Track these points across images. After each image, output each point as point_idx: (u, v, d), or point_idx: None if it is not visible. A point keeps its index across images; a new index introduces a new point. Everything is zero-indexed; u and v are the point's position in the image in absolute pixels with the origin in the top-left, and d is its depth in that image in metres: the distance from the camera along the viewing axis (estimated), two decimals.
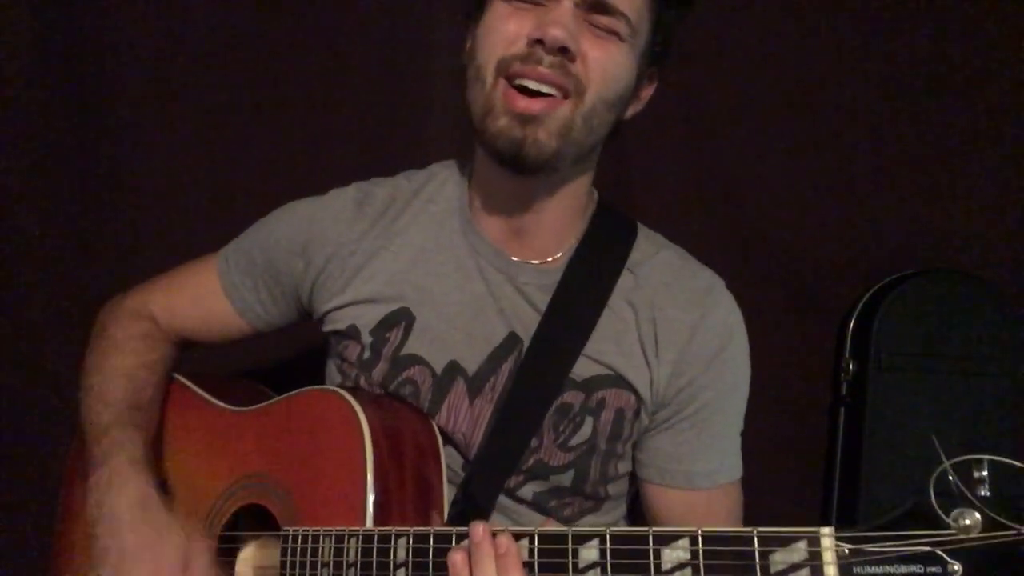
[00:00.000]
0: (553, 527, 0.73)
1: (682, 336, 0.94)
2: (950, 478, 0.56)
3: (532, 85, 0.84)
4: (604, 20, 0.85)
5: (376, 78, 1.52)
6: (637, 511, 1.05)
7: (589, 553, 0.67)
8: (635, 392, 0.94)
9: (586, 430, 0.94)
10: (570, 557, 0.68)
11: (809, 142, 1.55)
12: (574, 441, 0.94)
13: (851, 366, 1.53)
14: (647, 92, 0.98)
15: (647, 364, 0.94)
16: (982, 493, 0.56)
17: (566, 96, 0.85)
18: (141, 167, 1.51)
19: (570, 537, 0.68)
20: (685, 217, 1.52)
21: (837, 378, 1.56)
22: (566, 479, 0.95)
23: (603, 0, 0.84)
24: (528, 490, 0.95)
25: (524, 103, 0.84)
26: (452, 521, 0.90)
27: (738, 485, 0.99)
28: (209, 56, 1.50)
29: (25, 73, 1.45)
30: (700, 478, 0.95)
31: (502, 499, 0.95)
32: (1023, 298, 1.52)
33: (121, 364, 1.02)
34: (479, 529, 0.71)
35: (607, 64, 0.86)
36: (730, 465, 0.98)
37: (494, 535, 0.71)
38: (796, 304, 1.56)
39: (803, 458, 1.59)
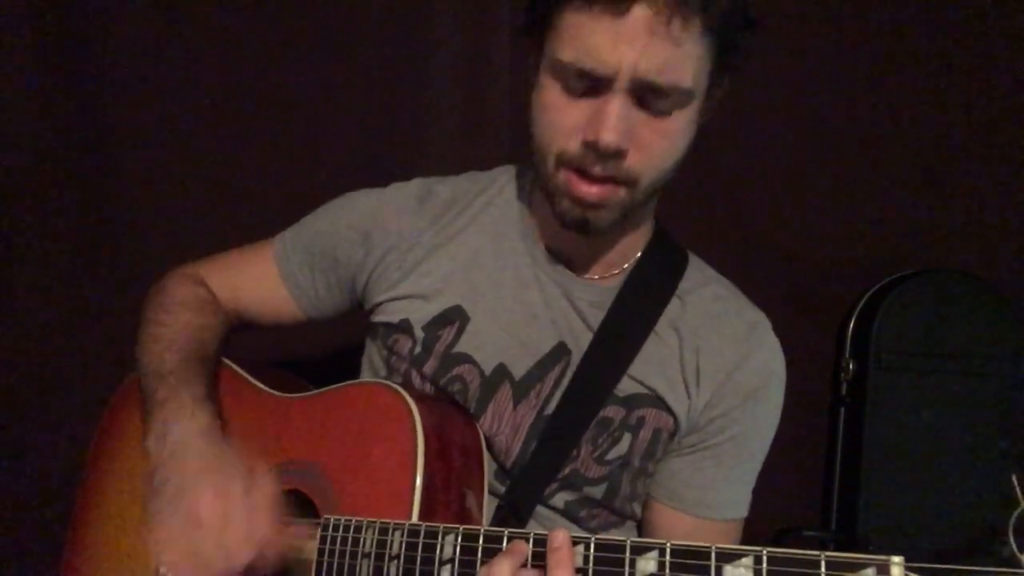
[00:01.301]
0: (607, 537, 0.72)
1: (723, 370, 0.95)
2: None
3: (591, 174, 0.85)
4: (661, 104, 0.83)
5: (376, 79, 1.52)
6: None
7: (647, 564, 0.66)
8: (674, 416, 0.95)
9: (623, 446, 0.95)
10: (627, 567, 0.67)
11: (809, 142, 1.55)
12: (611, 455, 0.95)
13: (851, 366, 1.53)
14: (720, 96, 0.95)
15: (687, 392, 0.95)
16: None
17: (619, 184, 0.86)
18: (141, 167, 1.51)
19: (628, 547, 0.67)
20: (685, 217, 1.51)
21: (837, 378, 1.56)
22: (598, 492, 0.96)
23: (657, 85, 0.80)
24: (560, 498, 0.96)
25: (584, 189, 0.85)
26: (493, 526, 0.89)
27: (741, 524, 0.99)
28: (209, 56, 1.50)
29: (25, 73, 1.45)
30: (708, 508, 0.96)
31: (537, 507, 0.96)
32: (1023, 298, 1.52)
33: (185, 319, 1.03)
34: (559, 536, 0.71)
35: (660, 151, 0.86)
36: (740, 503, 0.99)
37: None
38: (796, 304, 1.56)
39: (803, 458, 1.59)
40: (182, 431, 0.89)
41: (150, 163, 1.51)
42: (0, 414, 1.49)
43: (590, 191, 0.85)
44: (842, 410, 1.55)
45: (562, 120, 0.85)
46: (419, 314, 0.99)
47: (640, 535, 1.04)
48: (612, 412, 0.95)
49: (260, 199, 1.49)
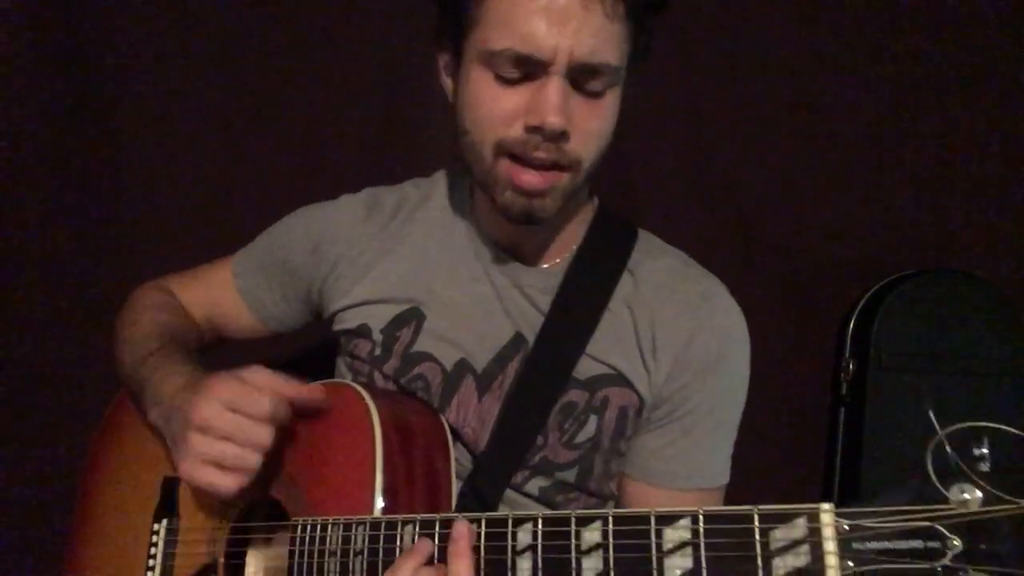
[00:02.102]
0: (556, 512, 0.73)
1: (680, 340, 0.95)
2: (948, 452, 0.56)
3: (534, 161, 0.85)
4: (593, 84, 0.85)
5: (377, 80, 1.52)
6: None
7: (592, 535, 0.67)
8: (636, 392, 0.95)
9: (590, 428, 0.95)
10: (573, 539, 0.68)
11: (809, 142, 1.55)
12: (579, 439, 0.95)
13: (851, 366, 1.53)
14: (634, 85, 0.98)
15: (645, 366, 0.95)
16: (982, 468, 0.55)
17: (563, 170, 0.87)
18: (141, 167, 1.51)
19: (573, 520, 0.68)
20: (685, 217, 1.52)
21: (837, 378, 1.56)
22: (570, 476, 0.96)
23: (592, 65, 0.83)
24: (534, 485, 0.96)
25: (528, 179, 0.85)
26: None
27: (719, 492, 0.99)
28: (209, 57, 1.50)
29: (25, 73, 1.45)
30: (681, 479, 0.96)
31: (510, 493, 0.96)
32: (1023, 298, 1.52)
33: (158, 319, 1.07)
34: (459, 527, 0.73)
35: (597, 132, 0.88)
36: (714, 471, 0.98)
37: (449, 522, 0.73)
38: (796, 304, 1.56)
39: (803, 458, 1.59)
40: (173, 385, 0.90)
41: (150, 163, 1.51)
42: (0, 414, 1.49)
43: (533, 180, 0.85)
44: (842, 410, 1.55)
45: (498, 109, 0.85)
46: (376, 318, 1.01)
47: None
48: (575, 396, 0.95)
49: (260, 199, 1.49)
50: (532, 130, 0.83)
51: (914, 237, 1.56)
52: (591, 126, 0.86)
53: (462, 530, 0.72)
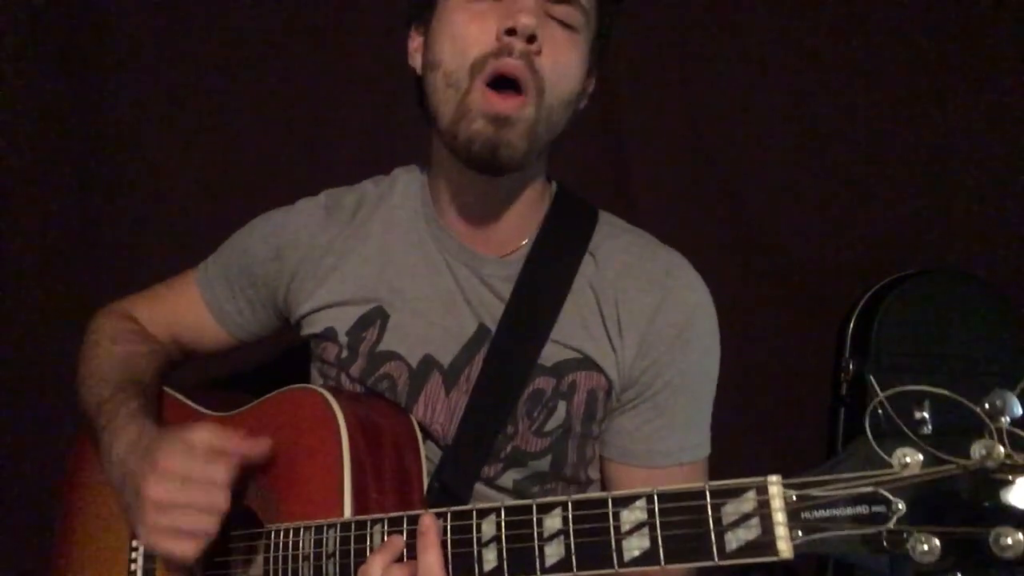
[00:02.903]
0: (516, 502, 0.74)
1: (644, 317, 0.95)
2: (889, 414, 0.57)
3: (507, 72, 0.86)
4: (562, 10, 0.88)
5: (375, 79, 1.52)
6: None
7: (553, 522, 0.68)
8: (604, 374, 0.95)
9: (560, 414, 0.95)
10: (535, 527, 0.69)
11: (809, 142, 1.55)
12: (549, 426, 0.95)
13: (851, 366, 1.53)
14: (590, 86, 1.00)
15: (612, 346, 0.95)
16: (924, 431, 0.57)
17: (528, 96, 0.87)
18: (141, 167, 1.51)
19: (534, 508, 0.69)
20: (685, 217, 1.52)
21: (837, 378, 1.56)
22: (544, 464, 0.96)
23: None
24: (508, 478, 0.96)
25: (501, 104, 0.86)
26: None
27: (702, 465, 0.99)
28: (208, 57, 1.50)
29: (25, 73, 1.45)
30: (660, 456, 0.96)
31: (482, 488, 0.96)
32: (1023, 298, 1.52)
33: (113, 351, 1.06)
34: (425, 520, 0.73)
35: (565, 62, 0.89)
36: (694, 444, 0.98)
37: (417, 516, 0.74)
38: (796, 304, 1.56)
39: (803, 458, 1.59)
40: (120, 442, 0.90)
41: (150, 163, 1.51)
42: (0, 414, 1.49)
43: (505, 104, 0.85)
44: (842, 410, 1.55)
45: (474, 27, 0.87)
46: (341, 320, 1.01)
47: None
48: (542, 383, 0.95)
49: (260, 199, 1.48)
50: (505, 34, 0.84)
51: (914, 237, 1.56)
52: (561, 56, 0.88)
53: (428, 523, 0.73)
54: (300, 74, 1.52)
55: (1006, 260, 1.55)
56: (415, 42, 0.97)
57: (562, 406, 0.95)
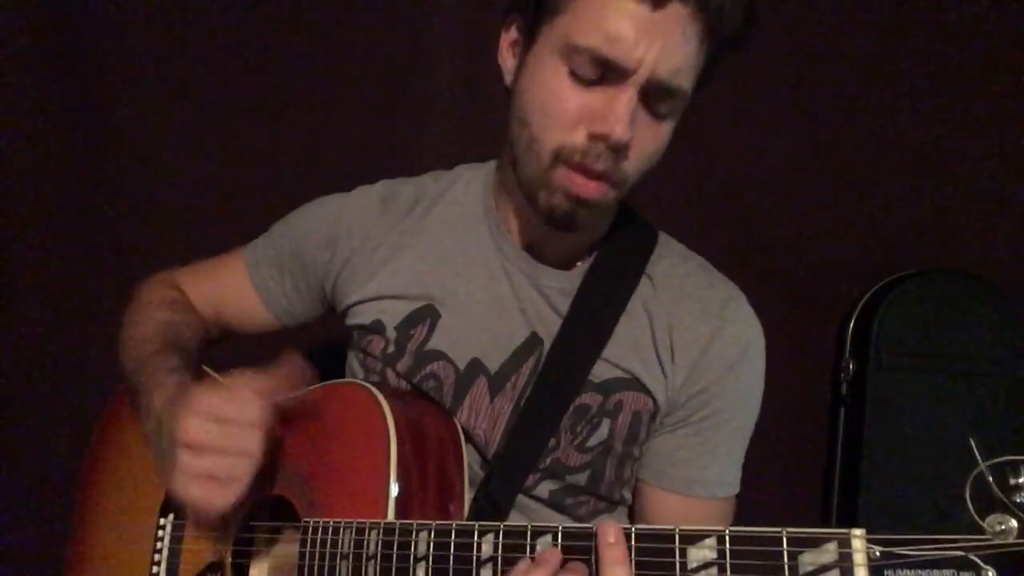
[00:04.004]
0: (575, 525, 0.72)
1: (698, 345, 0.94)
2: (989, 479, 0.55)
3: (591, 175, 0.84)
4: (664, 106, 0.82)
5: (376, 78, 1.52)
6: None
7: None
8: (652, 396, 0.94)
9: (603, 431, 0.94)
10: (592, 554, 0.67)
11: (809, 142, 1.55)
12: (591, 442, 0.94)
13: (851, 366, 1.53)
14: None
15: (663, 370, 0.95)
16: (1018, 499, 0.55)
17: (612, 185, 0.85)
18: (141, 167, 1.51)
19: (595, 535, 0.67)
20: (685, 217, 1.52)
21: (837, 378, 1.57)
22: (581, 479, 0.95)
23: (670, 87, 0.80)
24: (544, 488, 0.96)
25: (584, 188, 0.84)
26: (471, 519, 0.89)
27: (732, 502, 0.98)
28: (209, 56, 1.50)
29: (25, 73, 1.45)
30: (698, 487, 0.95)
31: (519, 497, 0.95)
32: (1023, 298, 1.52)
33: (159, 317, 1.05)
34: (611, 531, 0.68)
35: (653, 154, 0.86)
36: (730, 480, 0.97)
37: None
38: (796, 304, 1.56)
39: (803, 458, 1.59)
40: (160, 394, 0.90)
41: (150, 163, 1.51)
42: (0, 414, 1.49)
43: (590, 189, 0.84)
44: (842, 410, 1.55)
45: (566, 108, 0.82)
46: (390, 314, 0.99)
47: (632, 521, 1.03)
48: (589, 399, 0.94)
49: (260, 199, 1.48)
50: (596, 138, 0.81)
51: (914, 237, 1.56)
52: (648, 148, 0.84)
53: (615, 533, 0.67)
54: (300, 74, 1.51)
55: (1006, 260, 1.55)
56: (508, 38, 0.91)
57: (606, 424, 0.94)
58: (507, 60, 0.92)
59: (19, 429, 1.49)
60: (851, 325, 1.55)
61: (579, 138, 0.82)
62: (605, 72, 0.79)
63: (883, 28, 1.53)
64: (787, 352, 1.55)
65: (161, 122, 1.50)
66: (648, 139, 0.84)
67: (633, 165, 0.84)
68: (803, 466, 1.59)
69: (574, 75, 0.81)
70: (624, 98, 0.79)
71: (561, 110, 0.82)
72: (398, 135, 1.51)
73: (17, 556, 1.48)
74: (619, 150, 0.82)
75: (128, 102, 1.49)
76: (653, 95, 0.81)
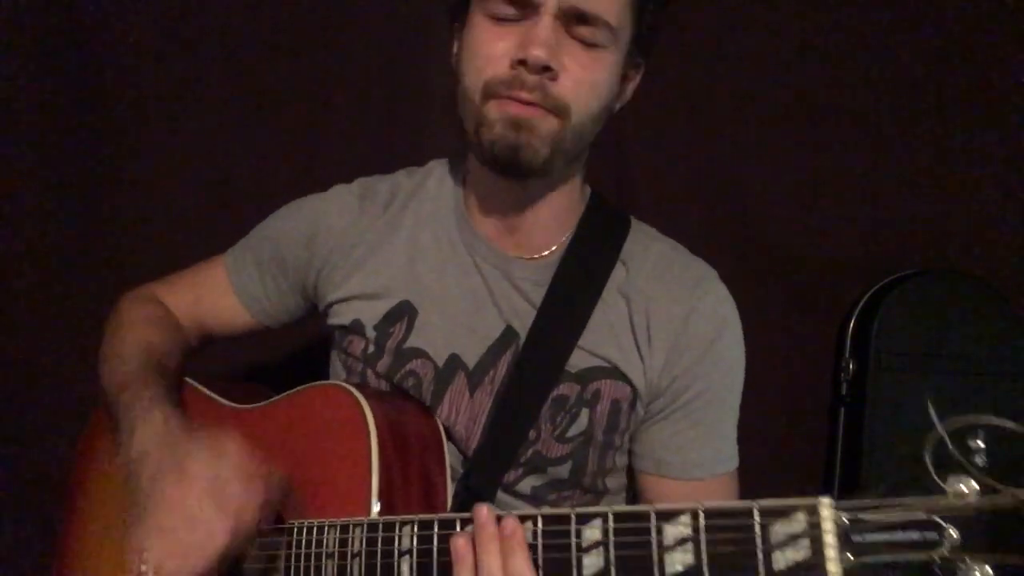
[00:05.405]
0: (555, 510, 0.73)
1: (674, 327, 0.95)
2: (949, 447, 0.57)
3: (516, 115, 0.86)
4: (584, 31, 0.86)
5: (376, 77, 1.52)
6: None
7: (592, 532, 0.67)
8: (630, 383, 0.95)
9: (582, 421, 0.95)
10: (573, 537, 0.68)
11: (809, 141, 1.55)
12: (571, 432, 0.95)
13: (851, 366, 1.53)
14: (633, 84, 0.99)
15: (640, 355, 0.95)
16: (978, 461, 0.56)
17: (548, 112, 0.87)
18: (141, 167, 1.51)
19: (573, 518, 0.68)
20: (685, 216, 1.52)
21: (837, 378, 1.56)
22: (564, 471, 0.96)
23: (583, 11, 0.84)
24: (527, 484, 0.96)
25: (516, 108, 0.86)
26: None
27: (735, 476, 0.99)
28: (209, 56, 1.50)
29: (25, 73, 1.45)
30: (697, 468, 0.96)
31: (501, 495, 0.96)
32: (1023, 298, 1.52)
33: (138, 336, 1.05)
34: (483, 511, 0.71)
35: (588, 80, 0.88)
36: (727, 455, 0.98)
37: (499, 519, 0.71)
38: (796, 304, 1.56)
39: (803, 458, 1.59)
40: (143, 430, 0.89)
41: (150, 163, 1.51)
42: None
43: (521, 109, 0.85)
44: (842, 410, 1.55)
45: (490, 48, 0.87)
46: (369, 314, 1.01)
47: None
48: (566, 389, 0.95)
49: (260, 198, 1.48)
50: (517, 64, 0.84)
51: (914, 237, 1.56)
52: (582, 74, 0.87)
53: (513, 524, 0.69)
54: (300, 74, 1.52)
55: (1006, 260, 1.55)
56: (455, 49, 0.96)
57: (585, 414, 0.95)
58: (453, 53, 0.96)
59: (19, 429, 1.49)
60: (851, 325, 1.55)
61: (502, 69, 0.85)
62: (519, 9, 0.85)
63: (883, 28, 1.53)
64: (787, 352, 1.56)
65: (161, 121, 1.50)
66: (580, 66, 0.86)
67: (570, 91, 0.86)
68: (803, 466, 1.58)
69: (494, 18, 0.87)
70: (539, 25, 0.84)
71: (485, 52, 0.87)
72: (398, 135, 1.51)
73: (17, 556, 1.48)
74: (543, 73, 0.84)
75: (128, 101, 1.49)
76: (575, 22, 0.85)
